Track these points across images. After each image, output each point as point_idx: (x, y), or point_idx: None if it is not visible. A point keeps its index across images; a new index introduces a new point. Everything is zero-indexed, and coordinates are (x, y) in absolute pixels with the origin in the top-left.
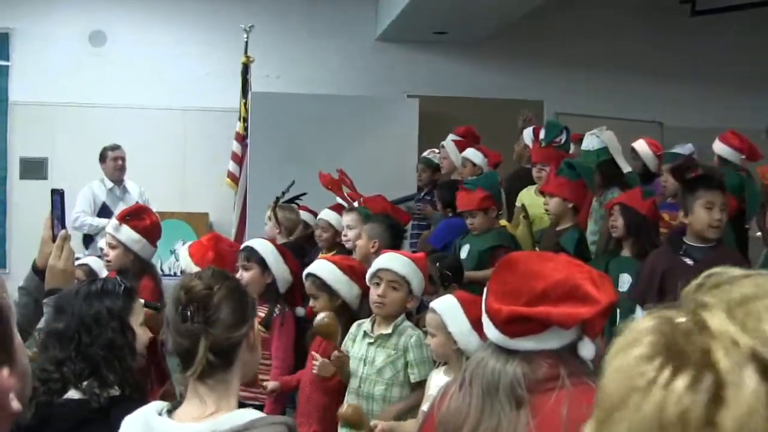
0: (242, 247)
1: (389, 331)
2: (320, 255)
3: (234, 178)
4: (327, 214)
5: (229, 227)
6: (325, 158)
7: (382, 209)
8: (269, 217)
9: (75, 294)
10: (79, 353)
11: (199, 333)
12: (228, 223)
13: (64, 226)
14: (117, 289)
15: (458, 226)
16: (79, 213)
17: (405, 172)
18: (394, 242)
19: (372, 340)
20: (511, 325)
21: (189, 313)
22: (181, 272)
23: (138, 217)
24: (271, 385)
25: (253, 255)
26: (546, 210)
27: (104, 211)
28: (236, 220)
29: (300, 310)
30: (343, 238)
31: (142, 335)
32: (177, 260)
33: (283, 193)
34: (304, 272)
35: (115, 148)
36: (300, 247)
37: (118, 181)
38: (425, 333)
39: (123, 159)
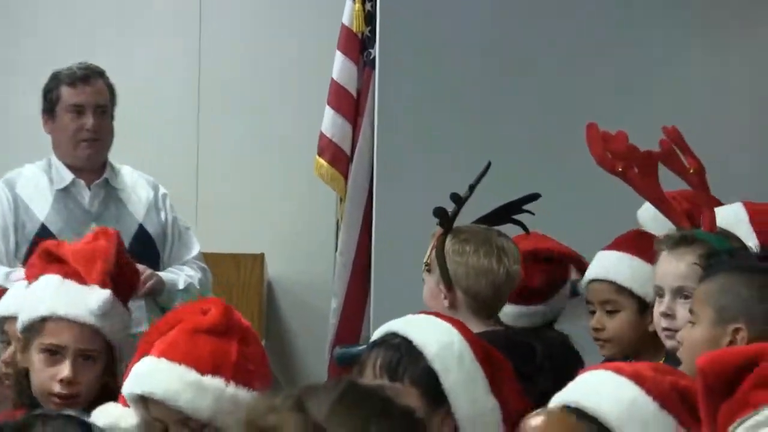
0: (379, 335)
1: None
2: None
3: (337, 159)
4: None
5: (317, 295)
6: (591, 100)
7: None
8: (427, 263)
9: None
10: None
11: None
12: (316, 282)
13: None
14: None
15: None
16: None
17: None
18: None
19: None
20: None
21: None
22: None
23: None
24: None
25: (408, 360)
26: None
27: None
28: (343, 275)
29: None
30: (661, 323)
31: None
32: None
33: (465, 197)
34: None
35: (87, 75)
36: (522, 348)
37: (89, 166)
38: None
39: (105, 108)
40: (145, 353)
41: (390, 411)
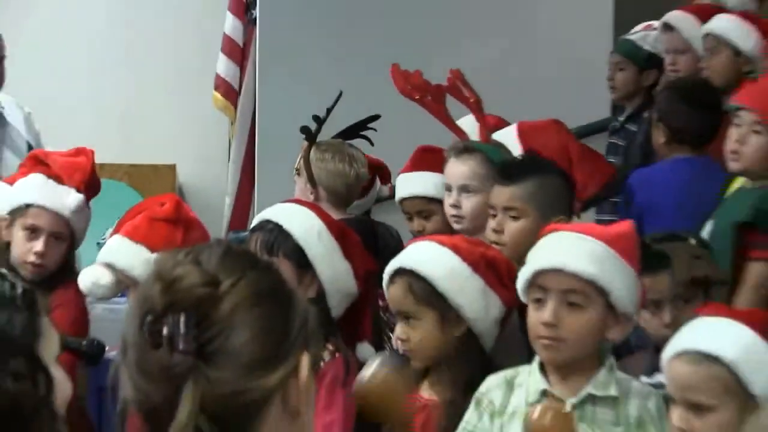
0: (256, 222)
1: (608, 391)
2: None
3: (229, 93)
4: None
5: (215, 195)
6: (415, 50)
7: (548, 144)
8: (297, 169)
9: None
10: None
11: (186, 373)
12: (214, 185)
13: None
14: (13, 294)
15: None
16: None
17: (586, 76)
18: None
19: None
20: None
21: (167, 331)
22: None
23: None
24: None
25: (280, 240)
26: None
27: None
28: (235, 179)
29: (367, 351)
30: (450, 211)
31: (64, 383)
32: None
33: (323, 118)
34: (388, 270)
35: None
36: (368, 229)
37: None
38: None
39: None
40: (117, 232)
41: (258, 262)
